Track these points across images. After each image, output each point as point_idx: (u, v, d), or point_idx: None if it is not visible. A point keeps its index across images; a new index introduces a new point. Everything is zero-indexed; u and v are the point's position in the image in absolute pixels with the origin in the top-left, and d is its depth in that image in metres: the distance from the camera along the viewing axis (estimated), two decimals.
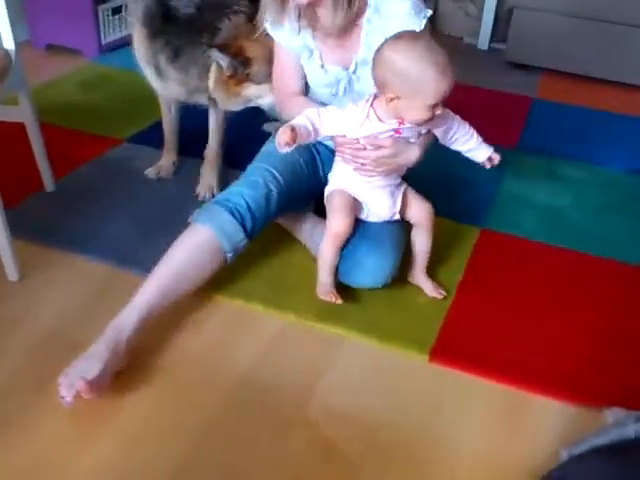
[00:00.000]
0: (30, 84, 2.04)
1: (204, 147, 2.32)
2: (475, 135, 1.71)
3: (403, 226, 1.81)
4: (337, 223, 1.70)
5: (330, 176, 1.79)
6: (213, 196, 2.20)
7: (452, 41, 3.86)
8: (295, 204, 1.88)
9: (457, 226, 2.14)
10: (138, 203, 2.16)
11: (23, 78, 1.98)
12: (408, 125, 1.58)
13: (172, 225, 2.04)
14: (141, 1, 1.98)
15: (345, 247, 1.73)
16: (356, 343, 1.68)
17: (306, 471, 1.35)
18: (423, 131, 1.64)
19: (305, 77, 1.84)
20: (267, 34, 1.79)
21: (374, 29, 1.70)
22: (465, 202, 2.27)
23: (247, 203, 1.71)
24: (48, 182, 2.17)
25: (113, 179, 2.29)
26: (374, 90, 1.58)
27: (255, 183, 1.75)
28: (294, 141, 1.49)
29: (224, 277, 1.77)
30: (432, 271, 1.88)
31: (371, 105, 1.58)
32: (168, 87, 2.09)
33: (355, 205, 1.73)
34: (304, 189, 1.87)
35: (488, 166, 1.75)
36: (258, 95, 1.98)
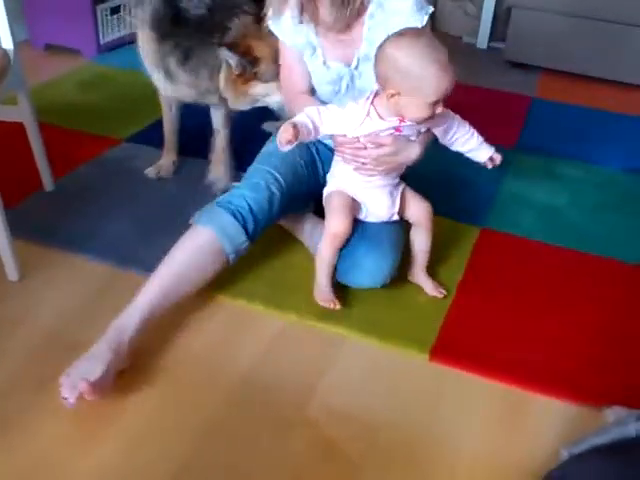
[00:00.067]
0: (29, 84, 2.04)
1: (204, 146, 2.32)
2: (476, 135, 1.71)
3: (402, 226, 1.81)
4: (336, 224, 1.70)
5: (329, 176, 1.79)
6: (224, 191, 2.22)
7: (451, 40, 3.86)
8: (296, 205, 1.88)
9: (457, 225, 2.15)
10: (138, 203, 2.16)
11: (22, 78, 1.98)
12: (409, 123, 1.58)
13: (172, 225, 2.04)
14: (148, 4, 1.98)
15: (344, 247, 1.72)
16: (356, 343, 1.68)
17: (307, 471, 1.35)
18: (423, 129, 1.65)
19: (311, 75, 1.84)
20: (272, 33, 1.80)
21: (376, 24, 1.70)
22: (465, 201, 2.27)
23: (249, 205, 1.71)
24: (47, 182, 2.17)
25: (112, 179, 2.29)
26: (376, 86, 1.58)
27: (257, 185, 1.75)
28: (296, 138, 1.50)
29: (225, 277, 1.77)
30: (432, 270, 1.88)
31: (372, 103, 1.58)
32: (178, 89, 2.09)
33: (354, 205, 1.73)
34: (305, 190, 1.87)
35: (490, 166, 1.75)
36: (265, 94, 1.98)
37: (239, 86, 1.96)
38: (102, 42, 3.34)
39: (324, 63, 1.78)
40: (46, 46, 3.36)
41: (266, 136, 2.04)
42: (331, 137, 1.68)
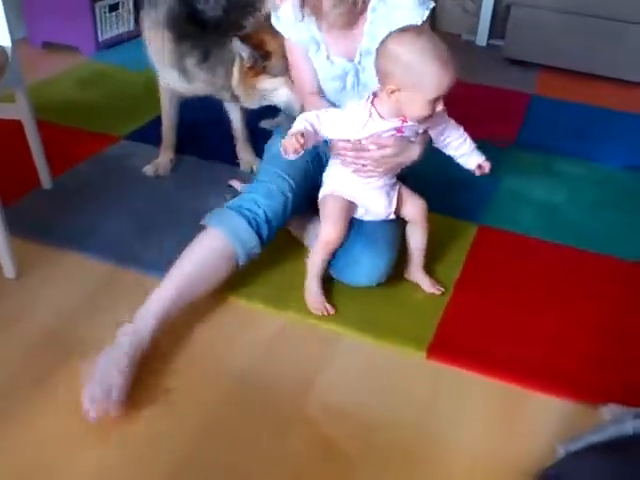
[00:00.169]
0: (27, 81, 2.04)
1: (201, 145, 2.32)
2: (468, 140, 1.71)
3: (399, 224, 1.81)
4: (328, 232, 1.70)
5: (325, 176, 1.78)
6: (252, 171, 2.29)
7: (450, 38, 3.85)
8: (305, 202, 1.87)
9: (455, 223, 2.14)
10: (136, 201, 2.16)
11: (20, 75, 1.98)
12: (410, 123, 1.58)
13: (170, 223, 2.05)
14: (163, 4, 1.98)
15: (340, 246, 1.72)
16: (354, 341, 1.68)
17: (306, 469, 1.35)
18: (421, 130, 1.64)
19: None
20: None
21: (378, 18, 1.70)
22: (463, 199, 2.27)
23: (265, 212, 1.71)
24: (45, 180, 2.17)
25: (111, 176, 2.29)
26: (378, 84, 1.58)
27: (271, 192, 1.74)
28: (303, 148, 1.49)
29: None
30: (430, 268, 1.88)
31: (372, 104, 1.57)
32: (193, 87, 2.10)
33: (349, 208, 1.72)
34: (311, 186, 1.84)
35: (478, 173, 1.74)
36: (273, 88, 1.97)
37: (248, 79, 1.95)
38: (100, 39, 3.34)
39: (327, 58, 1.77)
40: (44, 44, 3.35)
41: (264, 133, 2.04)
42: (329, 143, 1.67)
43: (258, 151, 2.10)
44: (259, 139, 1.99)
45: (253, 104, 2.06)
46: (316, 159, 1.89)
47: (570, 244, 2.08)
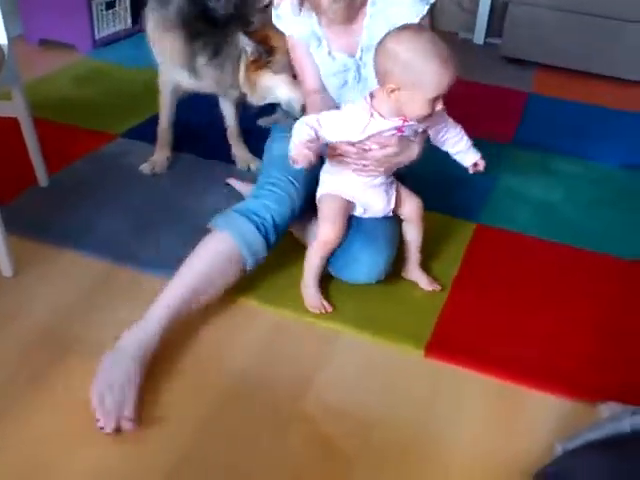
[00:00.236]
0: (23, 79, 2.03)
1: (198, 143, 2.31)
2: (465, 138, 1.71)
3: (397, 221, 1.81)
4: (326, 232, 1.69)
5: (322, 173, 1.77)
6: (249, 169, 2.31)
7: (447, 36, 3.85)
8: (306, 205, 1.87)
9: (452, 221, 2.14)
10: (132, 199, 2.15)
11: (16, 73, 1.97)
12: (411, 123, 1.57)
13: (167, 221, 2.04)
14: (172, 4, 1.98)
15: (339, 245, 1.72)
16: (352, 338, 1.68)
17: (305, 468, 1.35)
18: (420, 129, 1.64)
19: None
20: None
21: (378, 12, 1.70)
22: (460, 197, 2.27)
23: (273, 217, 1.70)
24: (42, 177, 2.16)
25: (107, 174, 2.28)
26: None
27: (282, 198, 1.73)
28: (315, 156, 1.48)
29: None
30: (427, 266, 1.88)
31: (371, 104, 1.56)
32: (201, 84, 2.10)
33: (347, 207, 1.72)
34: (316, 185, 1.82)
35: (472, 171, 1.75)
36: (273, 85, 1.96)
37: (251, 74, 1.95)
38: (97, 37, 3.32)
39: (329, 53, 1.77)
40: (41, 41, 3.34)
41: (262, 132, 2.03)
42: (328, 144, 1.66)
43: (258, 150, 2.09)
44: (257, 137, 1.98)
45: (258, 101, 2.06)
46: (321, 161, 1.88)
47: (567, 243, 2.08)
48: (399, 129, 1.59)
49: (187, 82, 2.12)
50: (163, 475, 1.31)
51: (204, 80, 2.06)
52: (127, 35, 3.48)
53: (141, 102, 2.71)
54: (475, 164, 1.73)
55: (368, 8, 1.71)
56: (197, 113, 2.45)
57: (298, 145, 1.50)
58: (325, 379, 1.56)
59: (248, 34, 1.88)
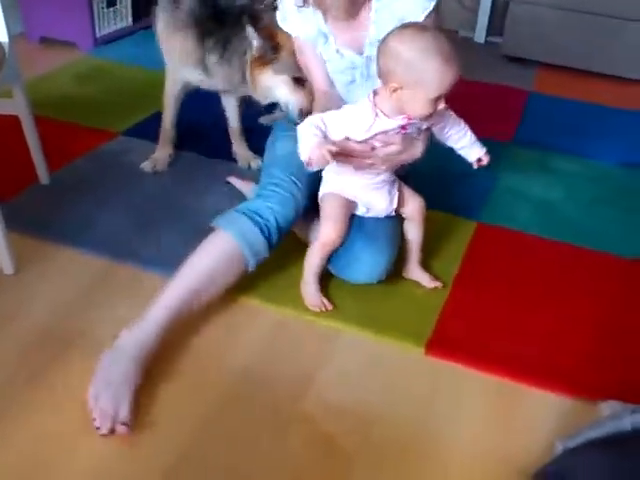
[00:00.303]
0: (24, 77, 2.03)
1: (199, 141, 2.31)
2: (469, 133, 1.71)
3: (399, 221, 1.81)
4: (328, 232, 1.69)
5: (324, 175, 1.76)
6: (249, 167, 2.31)
7: (448, 34, 3.85)
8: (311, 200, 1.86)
9: (453, 219, 2.14)
10: (133, 196, 2.15)
11: (17, 71, 1.97)
12: (414, 121, 1.57)
13: (168, 219, 2.04)
14: (184, 3, 1.98)
15: (340, 245, 1.72)
16: (352, 336, 1.68)
17: (305, 467, 1.35)
18: (424, 127, 1.64)
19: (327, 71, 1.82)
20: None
21: (383, 6, 1.69)
22: (461, 195, 2.27)
23: (276, 219, 1.70)
24: (43, 175, 2.17)
25: (108, 172, 2.28)
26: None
27: (286, 199, 1.73)
28: (332, 157, 1.46)
29: None
30: (428, 264, 1.88)
31: (375, 103, 1.56)
32: (211, 83, 2.10)
33: (349, 207, 1.72)
34: (319, 185, 1.83)
35: (476, 166, 1.74)
36: (273, 85, 1.95)
37: (254, 71, 1.94)
38: (98, 35, 3.33)
39: (337, 51, 1.76)
40: (42, 39, 3.34)
41: (262, 130, 2.03)
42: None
43: (259, 148, 2.09)
44: (259, 136, 1.98)
45: (261, 99, 2.05)
46: None
47: (567, 241, 2.09)
48: (403, 127, 1.58)
49: (197, 80, 2.13)
50: (162, 475, 1.31)
51: (215, 78, 2.06)
52: (128, 33, 3.48)
53: (142, 100, 2.71)
54: (479, 159, 1.73)
55: (373, 2, 1.70)
56: (199, 111, 2.45)
57: (314, 147, 1.47)
58: (326, 377, 1.56)
59: (256, 29, 1.88)
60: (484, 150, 1.72)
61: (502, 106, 3.01)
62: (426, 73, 1.45)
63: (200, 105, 2.36)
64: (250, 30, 1.88)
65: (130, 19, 3.52)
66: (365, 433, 1.43)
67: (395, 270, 1.82)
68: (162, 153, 2.33)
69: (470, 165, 1.75)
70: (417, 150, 1.66)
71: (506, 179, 2.40)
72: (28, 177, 2.16)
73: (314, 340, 1.67)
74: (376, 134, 1.58)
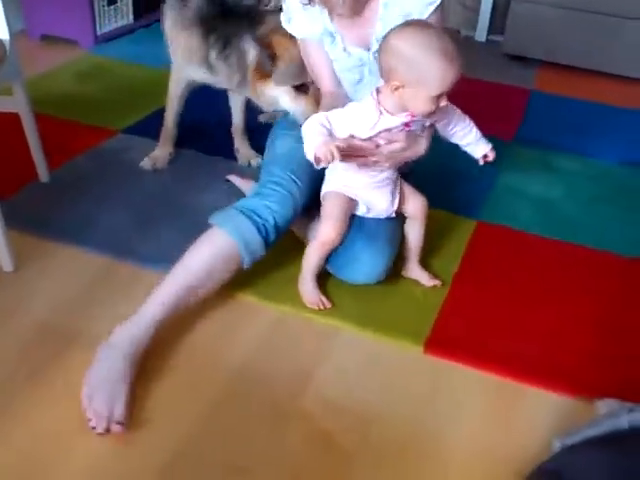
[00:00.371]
0: (25, 74, 2.03)
1: (200, 139, 2.31)
2: (474, 130, 1.70)
3: (400, 222, 1.80)
4: (327, 231, 1.69)
5: (327, 173, 1.76)
6: (249, 165, 2.32)
7: (449, 33, 3.84)
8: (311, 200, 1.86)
9: (453, 218, 2.14)
10: (133, 194, 2.15)
11: (18, 68, 1.97)
12: (418, 118, 1.57)
13: (168, 216, 2.05)
14: (191, 3, 1.98)
15: (340, 244, 1.72)
16: (351, 335, 1.68)
17: (304, 464, 1.35)
18: (427, 124, 1.64)
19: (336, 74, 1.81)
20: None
21: (392, 2, 1.68)
22: (461, 194, 2.27)
23: (274, 219, 1.69)
24: (43, 173, 2.17)
25: (108, 170, 2.28)
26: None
27: (285, 199, 1.72)
28: (340, 156, 1.45)
29: None
30: (428, 262, 1.88)
31: (378, 101, 1.56)
32: (216, 80, 2.09)
33: (350, 206, 1.72)
34: (320, 184, 1.81)
35: (482, 163, 1.74)
36: (276, 96, 1.93)
37: (256, 82, 1.94)
38: (99, 33, 3.33)
39: (344, 50, 1.75)
40: (42, 37, 3.34)
41: (262, 128, 2.03)
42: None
43: (260, 147, 2.09)
44: (258, 134, 1.98)
45: (266, 107, 2.04)
46: None
47: (567, 240, 2.08)
48: (406, 124, 1.58)
49: (202, 77, 2.12)
50: (158, 472, 1.31)
51: (219, 75, 2.05)
52: (129, 31, 3.48)
53: (142, 98, 2.71)
54: (485, 155, 1.72)
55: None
56: (199, 109, 2.45)
57: (320, 145, 1.47)
58: (324, 375, 1.56)
59: (255, 38, 1.87)
60: (490, 146, 1.72)
61: (503, 105, 3.01)
62: (428, 71, 1.45)
63: (204, 102, 2.36)
64: (249, 40, 1.87)
65: (131, 17, 3.52)
66: (364, 431, 1.43)
67: (394, 268, 1.81)
68: (162, 151, 2.33)
69: (475, 162, 1.75)
70: (421, 147, 1.66)
71: (506, 178, 2.40)
72: (28, 175, 2.16)
73: (312, 338, 1.67)
74: (380, 132, 1.58)
